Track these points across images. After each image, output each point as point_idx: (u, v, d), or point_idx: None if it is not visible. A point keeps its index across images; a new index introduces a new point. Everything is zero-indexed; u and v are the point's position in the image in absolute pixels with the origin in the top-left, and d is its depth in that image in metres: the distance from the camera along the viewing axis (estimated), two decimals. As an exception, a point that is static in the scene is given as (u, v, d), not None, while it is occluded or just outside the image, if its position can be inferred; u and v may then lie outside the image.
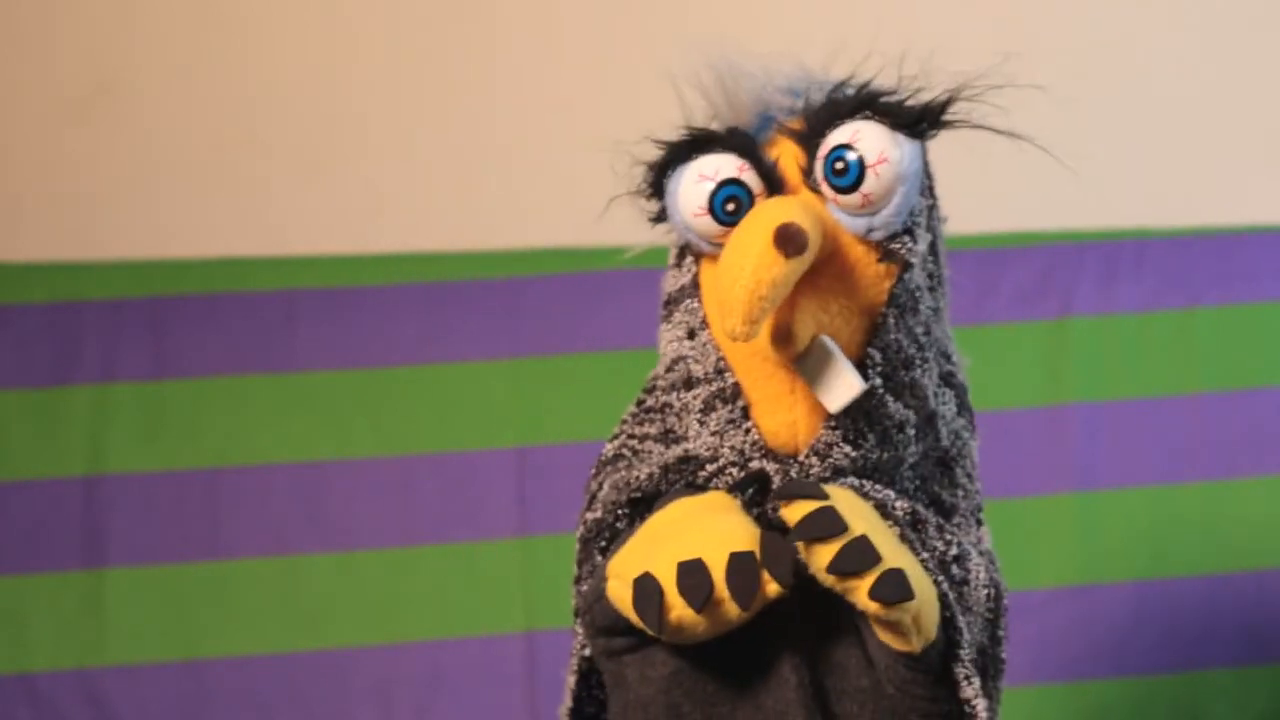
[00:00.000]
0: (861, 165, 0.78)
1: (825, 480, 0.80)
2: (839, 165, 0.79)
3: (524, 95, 1.52)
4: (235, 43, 1.53)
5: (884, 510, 0.79)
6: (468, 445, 1.48)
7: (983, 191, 1.55)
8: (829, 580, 0.72)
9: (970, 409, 0.90)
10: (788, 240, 0.74)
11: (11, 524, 1.45)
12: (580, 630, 0.84)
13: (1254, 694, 1.47)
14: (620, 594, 0.75)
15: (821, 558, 0.72)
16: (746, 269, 0.74)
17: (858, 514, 0.75)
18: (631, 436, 0.88)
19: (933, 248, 0.86)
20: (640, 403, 0.90)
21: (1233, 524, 1.50)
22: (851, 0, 1.48)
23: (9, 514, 1.46)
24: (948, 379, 0.87)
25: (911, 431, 0.83)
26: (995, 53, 0.84)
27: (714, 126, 0.82)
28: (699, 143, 0.82)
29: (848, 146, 0.79)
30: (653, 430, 0.88)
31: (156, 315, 1.50)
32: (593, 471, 0.89)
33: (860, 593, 0.71)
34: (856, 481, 0.81)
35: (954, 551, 0.81)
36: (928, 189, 0.86)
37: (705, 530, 0.75)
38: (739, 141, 0.81)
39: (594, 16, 1.51)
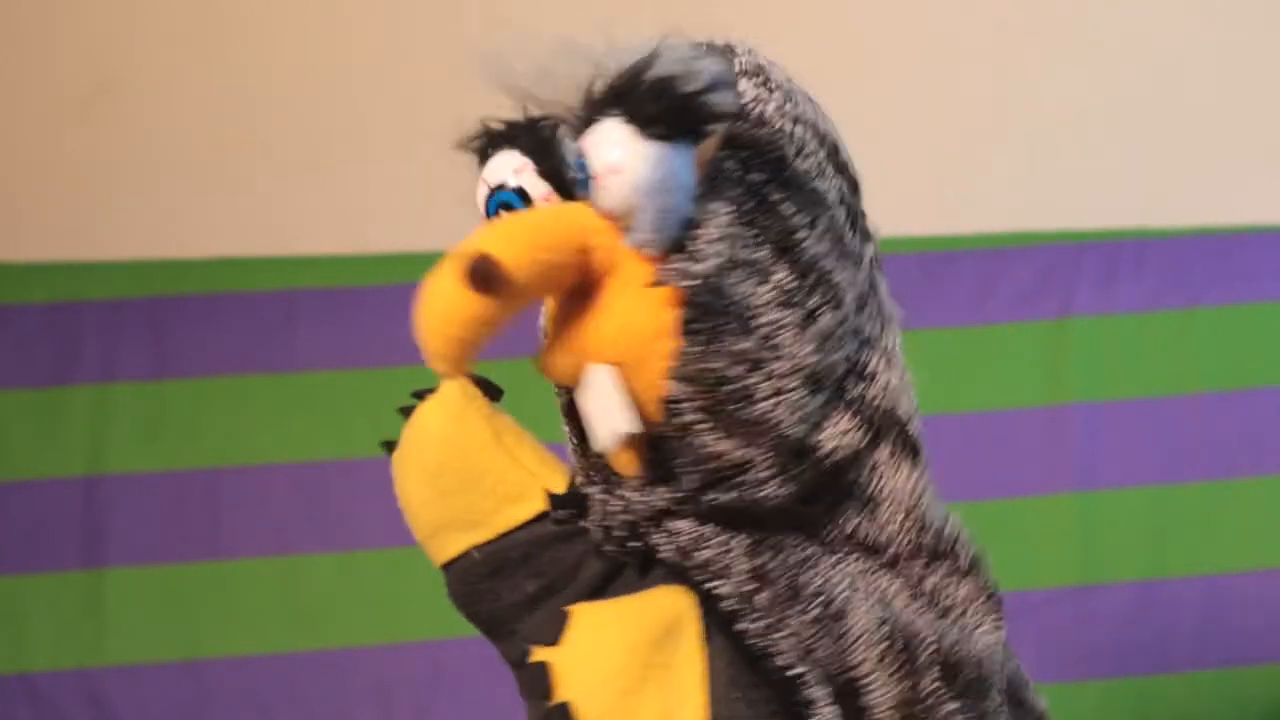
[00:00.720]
0: (590, 177, 0.68)
1: (649, 519, 0.72)
2: (579, 175, 0.68)
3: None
4: (235, 43, 1.53)
5: (712, 570, 0.71)
6: (468, 445, 1.48)
7: (983, 191, 1.56)
8: None
9: (906, 438, 0.77)
10: (479, 276, 0.66)
11: (11, 524, 1.45)
12: None
13: (1254, 694, 1.47)
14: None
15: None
16: (433, 308, 0.69)
17: (576, 666, 0.71)
18: None
19: (789, 254, 0.70)
20: None
21: (1233, 524, 1.50)
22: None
23: (9, 514, 1.46)
24: (852, 404, 0.74)
25: (765, 472, 0.71)
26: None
27: (511, 118, 0.74)
28: (493, 137, 0.74)
29: (580, 154, 0.68)
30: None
31: (156, 315, 1.50)
32: None
33: None
34: (691, 534, 0.72)
35: (814, 612, 0.72)
36: (765, 186, 0.70)
37: None
38: (530, 136, 0.72)
39: (595, 19, 1.51)
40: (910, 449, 0.77)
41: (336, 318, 1.51)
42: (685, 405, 0.69)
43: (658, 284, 0.68)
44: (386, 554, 1.47)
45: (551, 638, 0.70)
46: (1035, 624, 1.46)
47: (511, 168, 0.72)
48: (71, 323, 1.49)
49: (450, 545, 0.79)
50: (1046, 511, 1.49)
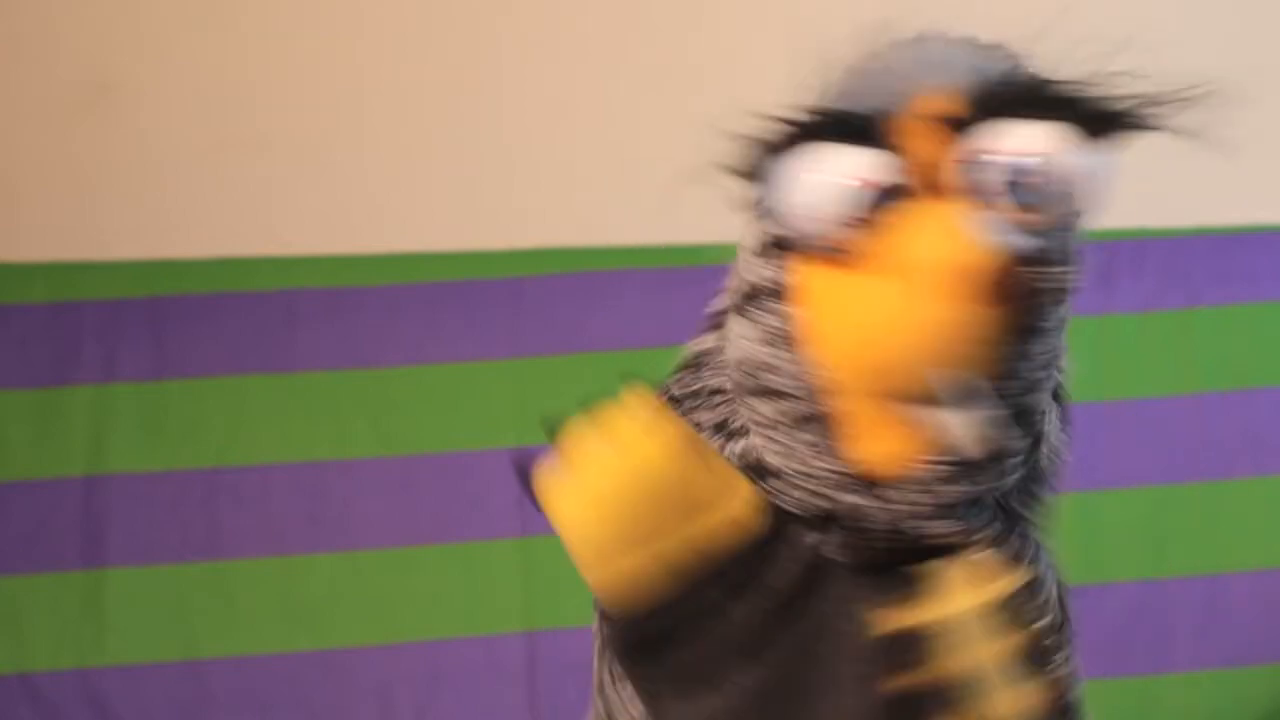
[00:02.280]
0: (1056, 183, 0.65)
1: (926, 516, 0.70)
2: (1030, 180, 0.64)
3: (525, 96, 1.52)
4: (235, 44, 1.53)
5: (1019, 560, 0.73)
6: (468, 445, 1.48)
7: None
8: None
9: (1070, 420, 0.80)
10: (986, 288, 0.61)
11: (11, 524, 1.45)
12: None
13: (1254, 694, 1.47)
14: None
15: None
16: (918, 328, 0.62)
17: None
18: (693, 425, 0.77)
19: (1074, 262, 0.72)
20: (688, 384, 0.78)
21: (1233, 524, 1.50)
22: None
23: (9, 514, 1.46)
24: (1055, 394, 0.76)
25: (1020, 459, 0.73)
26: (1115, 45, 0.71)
27: (847, 108, 0.67)
28: (827, 127, 0.66)
29: (1041, 157, 0.65)
30: (706, 419, 0.76)
31: (156, 315, 1.50)
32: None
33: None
34: (994, 533, 0.73)
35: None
36: None
37: None
38: (880, 131, 0.66)
39: (595, 19, 1.51)
40: (1064, 414, 0.78)
41: (336, 318, 1.51)
42: (1006, 399, 0.68)
43: (1042, 288, 0.66)
44: (386, 554, 1.47)
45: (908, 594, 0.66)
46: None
47: (880, 165, 0.65)
48: (71, 323, 1.49)
49: (628, 561, 0.71)
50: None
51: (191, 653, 1.45)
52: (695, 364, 0.78)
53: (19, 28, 1.52)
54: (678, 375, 0.79)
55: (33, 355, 1.48)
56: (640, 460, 0.68)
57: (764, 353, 0.70)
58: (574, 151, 1.50)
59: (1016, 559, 0.75)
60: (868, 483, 0.69)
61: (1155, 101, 0.67)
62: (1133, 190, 1.66)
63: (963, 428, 0.66)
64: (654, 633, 0.71)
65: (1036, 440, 0.73)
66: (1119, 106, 0.66)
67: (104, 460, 1.47)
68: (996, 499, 0.75)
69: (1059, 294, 0.67)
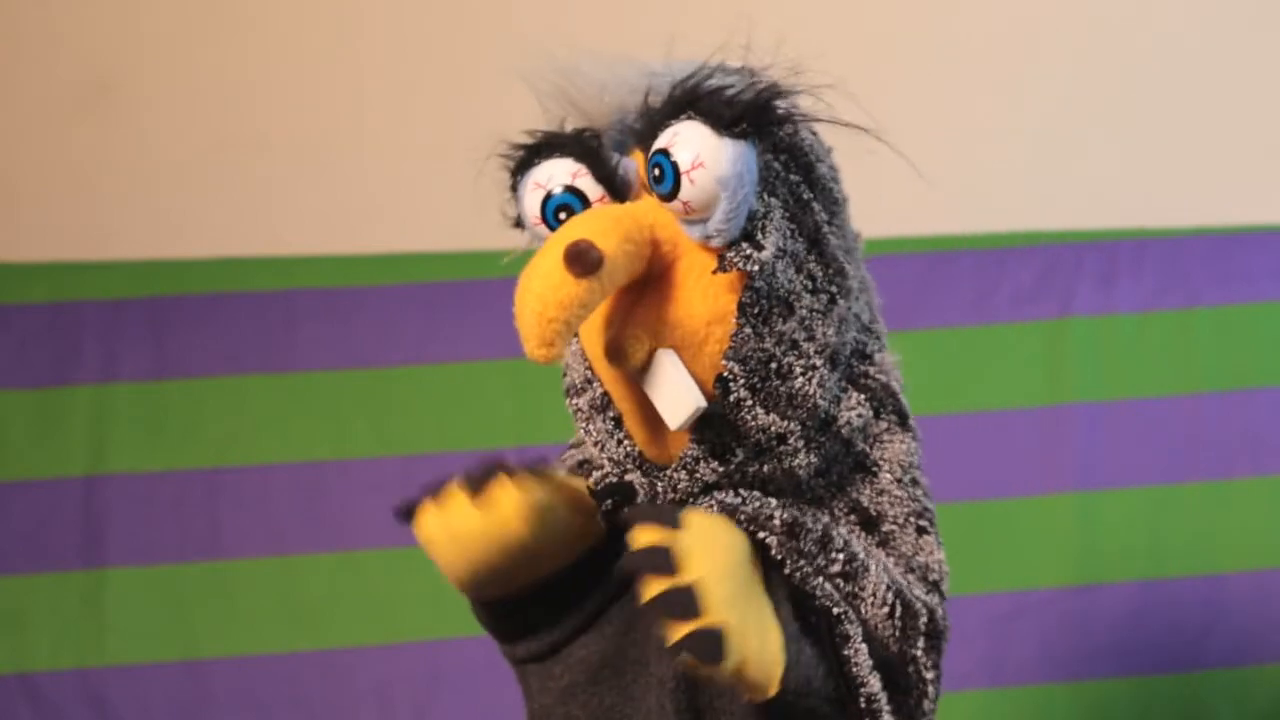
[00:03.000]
0: (676, 171, 0.74)
1: (693, 495, 0.78)
2: (656, 172, 0.75)
3: (524, 96, 1.52)
4: (235, 44, 1.53)
5: (756, 523, 0.76)
6: (468, 445, 1.48)
7: (983, 191, 1.56)
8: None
9: (900, 410, 0.85)
10: (576, 259, 0.70)
11: (11, 524, 1.46)
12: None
13: (1254, 694, 1.47)
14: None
15: (646, 593, 0.68)
16: (533, 290, 0.71)
17: (700, 552, 0.70)
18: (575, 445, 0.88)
19: (816, 247, 0.79)
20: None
21: (1233, 524, 1.50)
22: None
23: (9, 514, 1.46)
24: (857, 381, 0.83)
25: (798, 443, 0.78)
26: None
27: (563, 128, 0.79)
28: (540, 147, 0.78)
29: (664, 152, 0.74)
30: (577, 435, 0.87)
31: (156, 315, 1.50)
32: None
33: (672, 643, 0.68)
34: (733, 497, 0.77)
35: (837, 567, 0.78)
36: (800, 185, 0.79)
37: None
38: (579, 145, 0.77)
39: (601, 18, 1.51)
40: (902, 418, 0.85)
41: (336, 318, 1.51)
42: (738, 383, 0.76)
43: (722, 270, 0.75)
44: (386, 554, 1.47)
45: (671, 521, 0.70)
46: (1035, 624, 1.46)
47: (568, 172, 0.76)
48: (71, 323, 1.49)
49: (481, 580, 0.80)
50: (1046, 511, 1.49)
51: (191, 653, 1.45)
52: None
53: (19, 28, 1.52)
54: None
55: (33, 355, 1.48)
56: (498, 525, 0.75)
57: (569, 352, 0.82)
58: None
59: (821, 543, 0.79)
60: (643, 462, 0.79)
61: (772, 92, 0.75)
62: (1133, 190, 1.67)
63: (664, 399, 0.75)
64: (509, 621, 0.82)
65: (826, 425, 0.80)
66: (743, 104, 0.74)
67: (104, 460, 1.47)
68: (832, 491, 0.82)
69: (737, 271, 0.75)
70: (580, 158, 0.77)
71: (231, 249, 1.53)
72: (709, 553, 0.70)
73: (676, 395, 0.75)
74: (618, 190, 0.77)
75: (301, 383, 1.50)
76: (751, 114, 0.74)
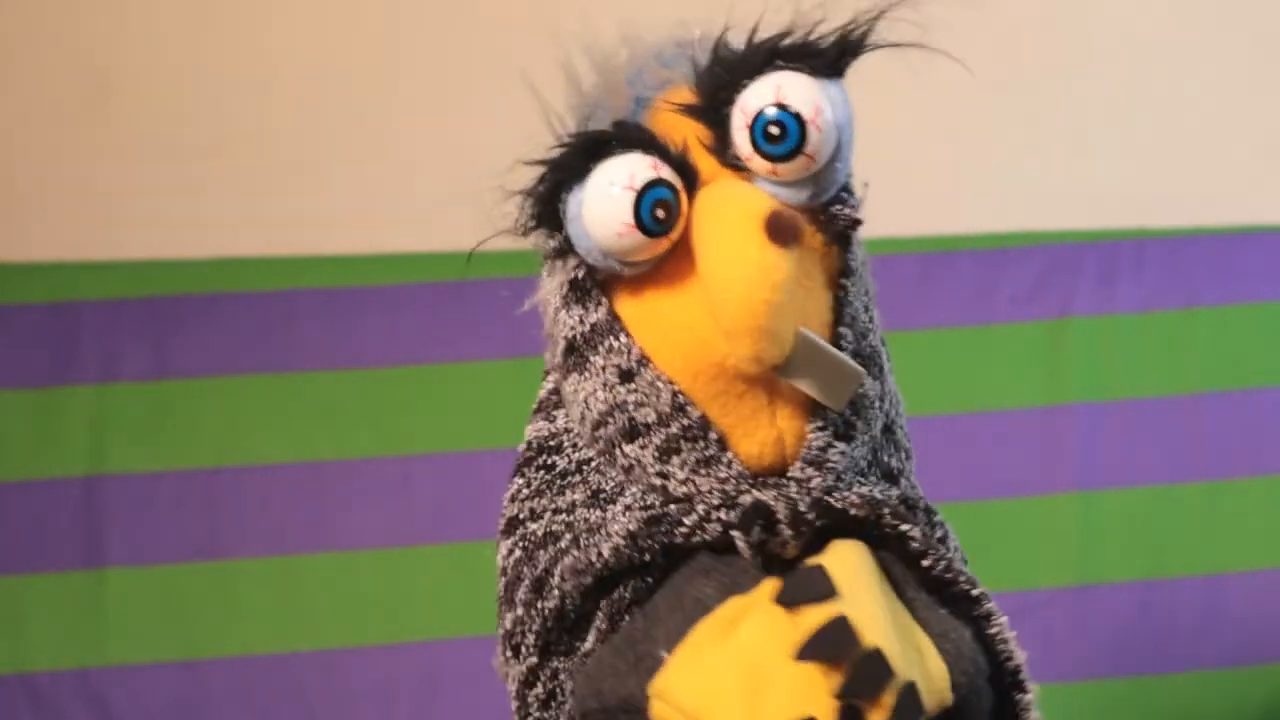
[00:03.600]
0: (800, 122, 0.66)
1: (829, 491, 0.70)
2: (773, 129, 0.66)
3: (524, 95, 1.52)
4: (235, 43, 1.53)
5: (899, 515, 0.71)
6: (468, 445, 1.48)
7: (983, 191, 1.55)
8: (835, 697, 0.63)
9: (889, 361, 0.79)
10: (782, 229, 0.63)
11: (11, 524, 1.45)
12: None
13: (1254, 694, 1.47)
14: None
15: (831, 680, 0.63)
16: (747, 277, 0.63)
17: (868, 612, 0.65)
18: (558, 511, 0.75)
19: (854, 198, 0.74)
20: (549, 467, 0.76)
21: (1233, 524, 1.50)
22: None
23: (9, 514, 1.46)
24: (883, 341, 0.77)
25: (878, 404, 0.73)
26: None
27: (596, 125, 0.70)
28: (590, 150, 0.68)
29: (776, 105, 0.67)
30: (579, 496, 0.74)
31: (156, 315, 1.50)
32: (519, 554, 0.75)
33: (875, 715, 0.63)
34: (860, 487, 0.71)
35: (939, 533, 0.76)
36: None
37: (789, 679, 0.63)
38: (636, 135, 0.68)
39: (600, 18, 1.51)
40: (886, 369, 0.79)
41: (336, 318, 1.51)
42: (849, 349, 0.70)
43: (839, 228, 0.69)
44: (386, 554, 1.47)
45: (827, 591, 0.64)
46: (1035, 624, 1.46)
47: (648, 165, 0.67)
48: (71, 323, 1.49)
49: None
50: (1046, 511, 1.49)
51: (191, 653, 1.44)
52: (545, 453, 0.77)
53: (19, 28, 1.52)
54: (527, 474, 0.78)
55: (32, 355, 1.48)
56: None
57: (619, 393, 0.70)
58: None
59: (926, 513, 0.76)
60: (761, 478, 0.70)
61: (858, 24, 0.69)
62: (1133, 190, 1.67)
63: (820, 382, 0.68)
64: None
65: (882, 383, 0.74)
66: (826, 38, 0.69)
67: (104, 460, 1.47)
68: (869, 460, 0.75)
69: (850, 226, 0.70)
70: (648, 148, 0.68)
71: (231, 249, 1.53)
72: (871, 606, 0.65)
73: (835, 371, 0.67)
74: (690, 176, 0.68)
75: (301, 383, 1.50)
76: (850, 46, 0.69)
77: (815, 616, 0.63)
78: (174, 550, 1.46)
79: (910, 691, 0.63)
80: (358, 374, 1.50)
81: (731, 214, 0.65)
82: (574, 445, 0.75)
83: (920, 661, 0.66)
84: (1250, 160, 1.58)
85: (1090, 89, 1.56)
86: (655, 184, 0.67)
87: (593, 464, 0.74)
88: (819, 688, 0.63)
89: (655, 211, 0.67)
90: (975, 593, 0.72)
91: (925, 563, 0.71)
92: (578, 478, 0.75)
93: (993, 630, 0.72)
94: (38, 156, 1.53)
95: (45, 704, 1.42)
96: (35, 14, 1.52)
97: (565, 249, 0.71)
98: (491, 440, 1.48)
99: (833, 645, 0.63)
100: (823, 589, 0.64)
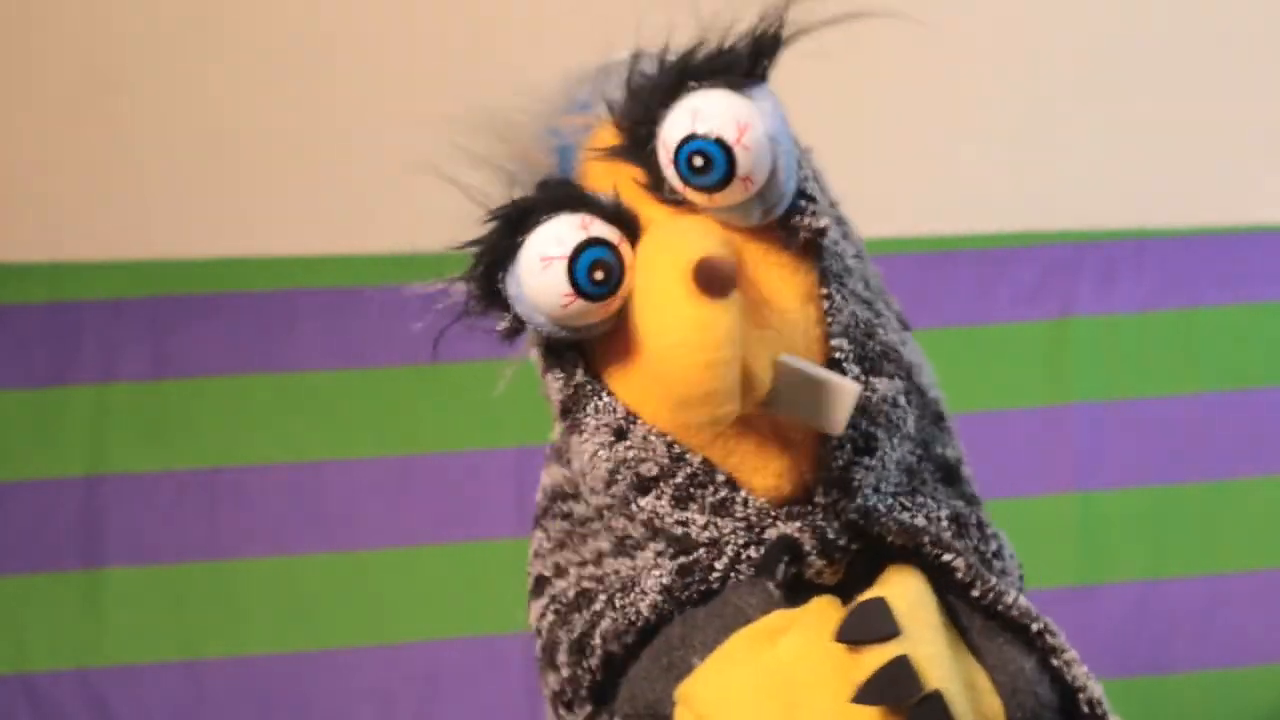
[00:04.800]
0: (723, 146, 0.61)
1: (864, 514, 0.67)
2: (698, 160, 0.62)
3: (524, 96, 1.52)
4: (235, 43, 1.53)
5: (941, 544, 0.67)
6: (468, 445, 1.48)
7: (983, 191, 1.55)
8: None
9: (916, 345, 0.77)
10: (714, 279, 0.58)
11: (11, 524, 1.45)
12: None
13: (1254, 694, 1.47)
14: None
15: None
16: (685, 340, 0.59)
17: (932, 652, 0.62)
18: (584, 563, 0.72)
19: (820, 184, 0.70)
20: (568, 515, 0.74)
21: (1233, 524, 1.50)
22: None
23: (9, 514, 1.46)
24: (901, 320, 0.73)
25: (904, 400, 0.68)
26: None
27: (517, 193, 0.66)
28: (517, 221, 0.65)
29: (694, 133, 0.61)
30: (605, 545, 0.72)
31: (156, 315, 1.50)
32: (552, 618, 0.72)
33: None
34: (900, 511, 0.68)
35: (994, 546, 0.72)
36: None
37: (826, 705, 0.60)
38: (560, 194, 0.64)
39: (593, 19, 1.51)
40: (913, 361, 0.76)
41: (336, 318, 1.51)
42: (849, 359, 0.65)
43: (798, 239, 0.64)
44: (386, 554, 1.47)
45: (890, 629, 0.61)
46: (1035, 624, 1.46)
47: (577, 225, 0.63)
48: (71, 323, 1.49)
49: None
50: (1046, 511, 1.49)
51: (191, 653, 1.44)
52: (562, 500, 0.75)
53: (18, 27, 1.52)
54: (546, 526, 0.75)
55: (32, 355, 1.48)
56: None
57: (619, 451, 0.67)
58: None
59: (979, 529, 0.72)
60: (783, 510, 0.67)
61: (767, 19, 0.63)
62: (1133, 190, 1.67)
63: (812, 409, 0.63)
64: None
65: (909, 374, 0.70)
66: (741, 42, 0.63)
67: (104, 460, 1.47)
68: (918, 454, 0.71)
69: (813, 236, 0.65)
70: (577, 206, 0.64)
71: (231, 249, 1.53)
72: (933, 645, 0.62)
73: (828, 393, 0.63)
74: (629, 224, 0.64)
75: (301, 383, 1.50)
76: (760, 51, 0.63)
77: (877, 657, 0.60)
78: (174, 550, 1.46)
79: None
80: (358, 374, 1.50)
81: (658, 273, 0.61)
82: (594, 490, 0.71)
83: (975, 699, 0.64)
84: (1250, 160, 1.58)
85: (1090, 89, 1.56)
86: (587, 245, 0.63)
87: (614, 508, 0.70)
88: (857, 716, 0.60)
89: (594, 274, 0.63)
90: (1035, 628, 0.70)
91: (974, 593, 0.68)
92: (599, 524, 0.72)
93: (1058, 664, 0.70)
94: (38, 156, 1.53)
95: (45, 704, 1.42)
96: (35, 14, 1.51)
97: (518, 328, 0.68)
98: (491, 440, 1.48)
99: (893, 687, 0.59)
100: (885, 628, 0.61)
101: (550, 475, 0.76)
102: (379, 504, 1.48)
